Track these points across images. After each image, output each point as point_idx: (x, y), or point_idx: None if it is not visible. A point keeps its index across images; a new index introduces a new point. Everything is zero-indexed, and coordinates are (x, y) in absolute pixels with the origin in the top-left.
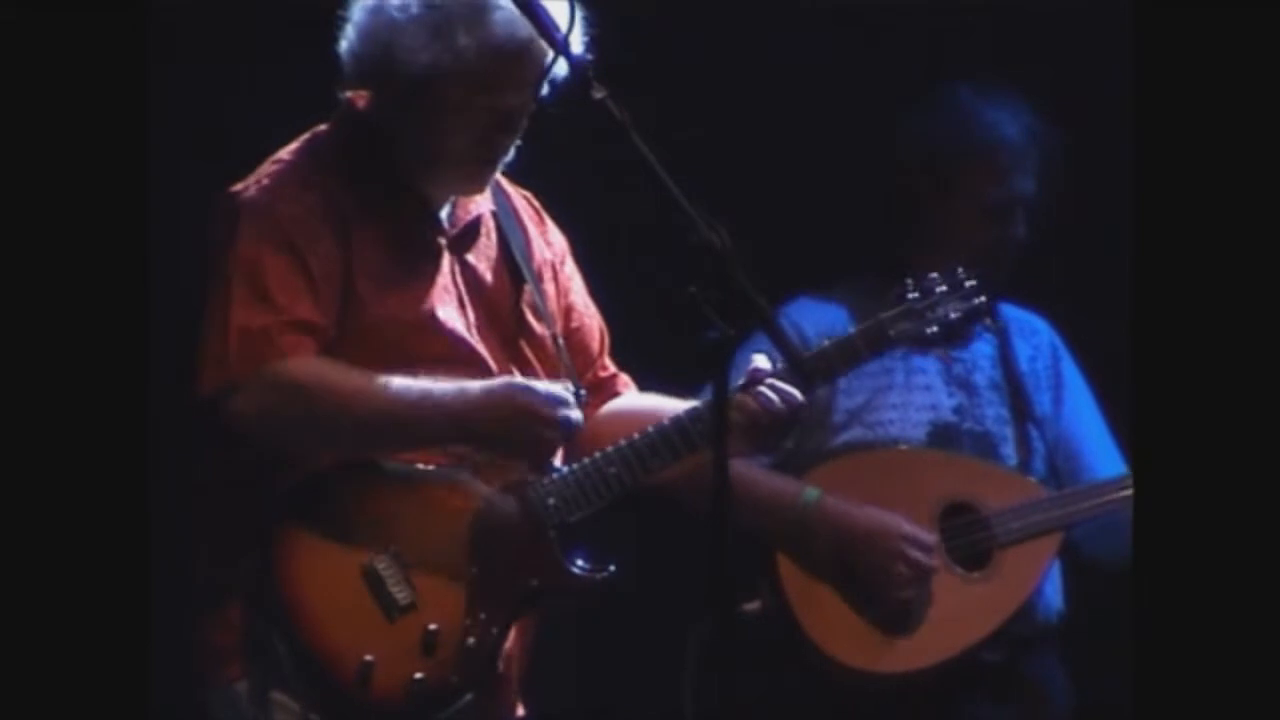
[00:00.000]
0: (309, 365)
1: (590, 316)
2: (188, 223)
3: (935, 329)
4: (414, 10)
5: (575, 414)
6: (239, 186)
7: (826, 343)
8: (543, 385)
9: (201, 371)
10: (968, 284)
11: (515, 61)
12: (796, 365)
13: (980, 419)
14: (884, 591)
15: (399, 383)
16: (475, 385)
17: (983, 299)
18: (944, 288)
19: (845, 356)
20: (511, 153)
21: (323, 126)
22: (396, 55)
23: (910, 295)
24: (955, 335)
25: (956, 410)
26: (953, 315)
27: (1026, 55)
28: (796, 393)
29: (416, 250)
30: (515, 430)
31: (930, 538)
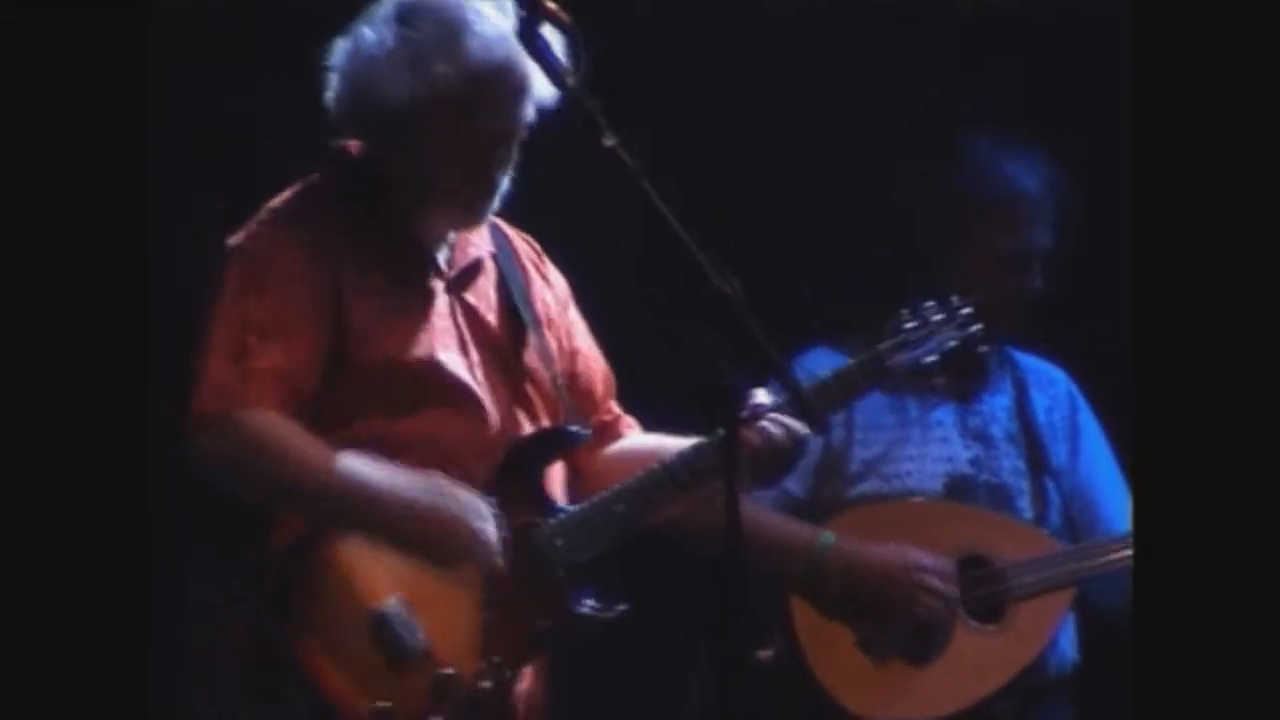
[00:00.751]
0: (273, 422)
1: (594, 360)
2: (188, 223)
3: (933, 358)
4: (389, 44)
5: (491, 532)
6: (233, 236)
7: (826, 375)
8: (465, 497)
9: (185, 414)
10: (963, 311)
11: (495, 84)
12: (799, 400)
13: (996, 471)
14: (906, 622)
15: (351, 467)
16: (425, 499)
17: (979, 326)
18: (940, 316)
19: (844, 388)
20: (505, 184)
21: (315, 175)
22: (377, 92)
23: (906, 325)
24: (959, 369)
25: (973, 462)
26: (950, 343)
27: (1027, 55)
28: (799, 425)
29: (414, 293)
30: (447, 557)
31: (945, 564)
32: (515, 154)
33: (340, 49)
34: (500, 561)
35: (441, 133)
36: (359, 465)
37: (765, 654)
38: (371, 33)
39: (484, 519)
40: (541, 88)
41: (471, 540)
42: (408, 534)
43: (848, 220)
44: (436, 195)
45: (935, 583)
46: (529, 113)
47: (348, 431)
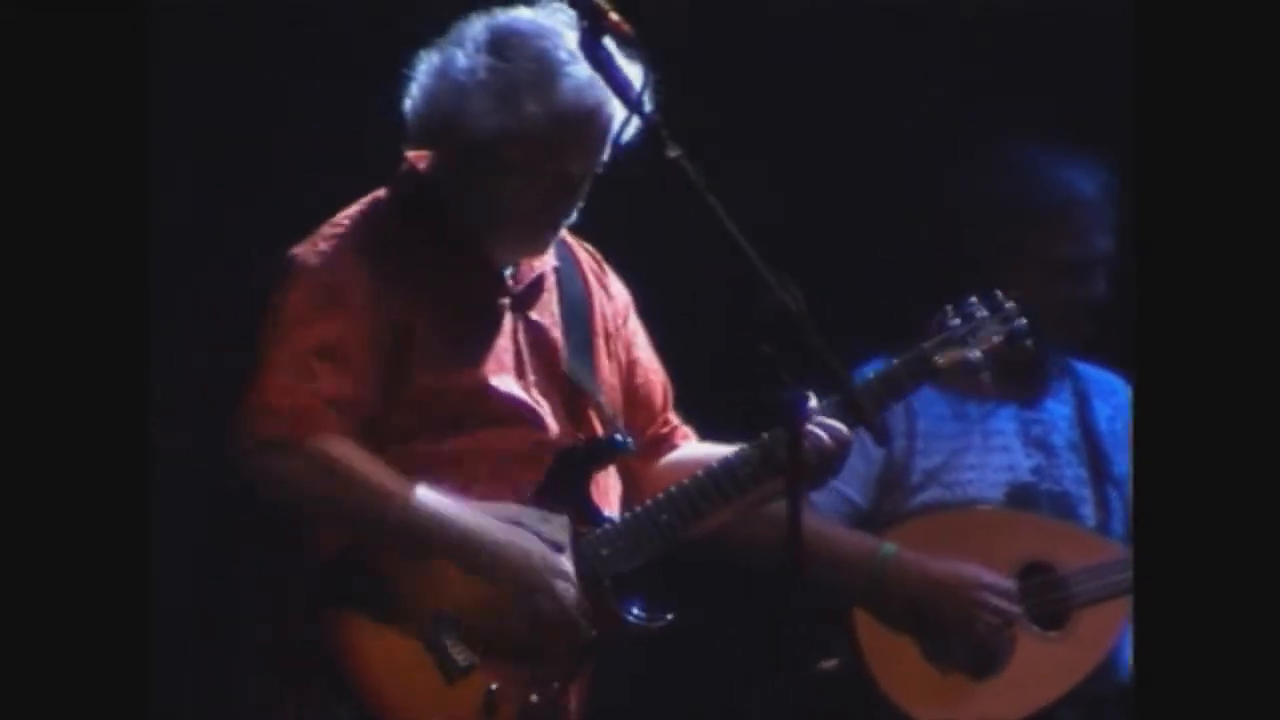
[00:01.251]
0: (345, 449)
1: (654, 370)
2: (188, 223)
3: (979, 354)
4: (481, 76)
5: (570, 587)
6: (297, 248)
7: (871, 377)
8: (549, 554)
9: (234, 430)
10: (1007, 306)
11: (581, 128)
12: (850, 401)
13: (1059, 479)
14: (966, 639)
15: (421, 496)
16: (500, 532)
17: (1023, 321)
18: (984, 312)
19: (890, 388)
20: (575, 214)
21: (382, 191)
22: (463, 120)
23: (951, 322)
24: (1017, 377)
25: (1035, 470)
26: (995, 339)
27: (1027, 55)
28: (844, 429)
29: (478, 310)
30: (520, 593)
31: (1008, 584)
32: (587, 189)
33: (428, 66)
34: (578, 631)
35: (520, 168)
36: (442, 501)
37: (829, 664)
38: (464, 58)
39: (565, 577)
40: (619, 126)
41: (553, 606)
42: (488, 575)
43: (902, 229)
44: (503, 224)
45: (997, 601)
46: (607, 153)
47: (403, 448)
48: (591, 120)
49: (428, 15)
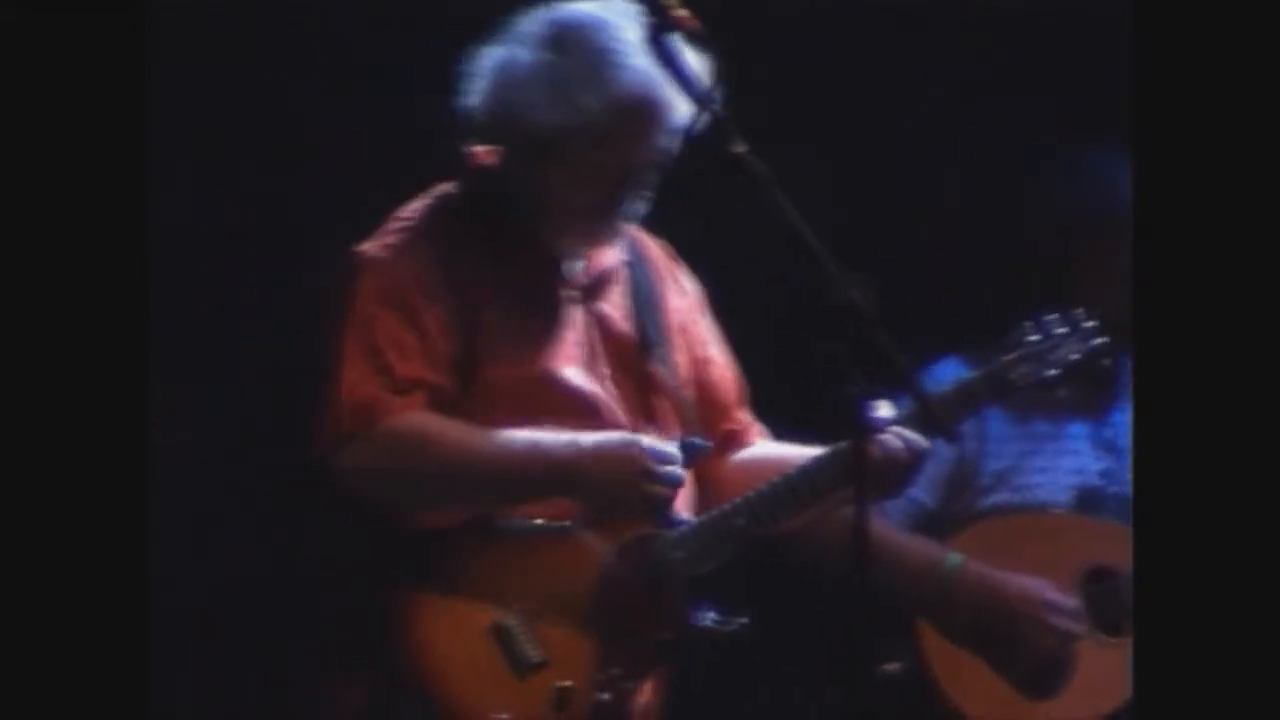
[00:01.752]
0: (413, 419)
1: (725, 367)
2: (188, 223)
3: (1055, 372)
4: (539, 69)
5: (680, 472)
6: (365, 244)
7: (947, 387)
8: (650, 441)
9: (317, 432)
10: (1086, 325)
11: (640, 118)
12: (925, 410)
13: (1127, 483)
14: (1028, 659)
15: (506, 434)
16: (587, 438)
17: (1103, 340)
18: (1063, 329)
19: (965, 400)
20: (642, 206)
21: (446, 185)
22: (522, 113)
23: (1029, 338)
24: (1090, 382)
25: (1103, 474)
26: (1073, 357)
27: (1027, 55)
28: (918, 438)
29: (545, 304)
30: (622, 485)
31: (1074, 604)
32: (653, 180)
33: (488, 60)
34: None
35: (581, 160)
36: (523, 434)
37: (892, 667)
38: (523, 53)
39: (674, 461)
40: (684, 116)
41: (657, 482)
42: (597, 481)
43: (970, 232)
44: (568, 217)
45: (1062, 621)
46: (670, 143)
47: None
48: (649, 110)
49: (428, 15)
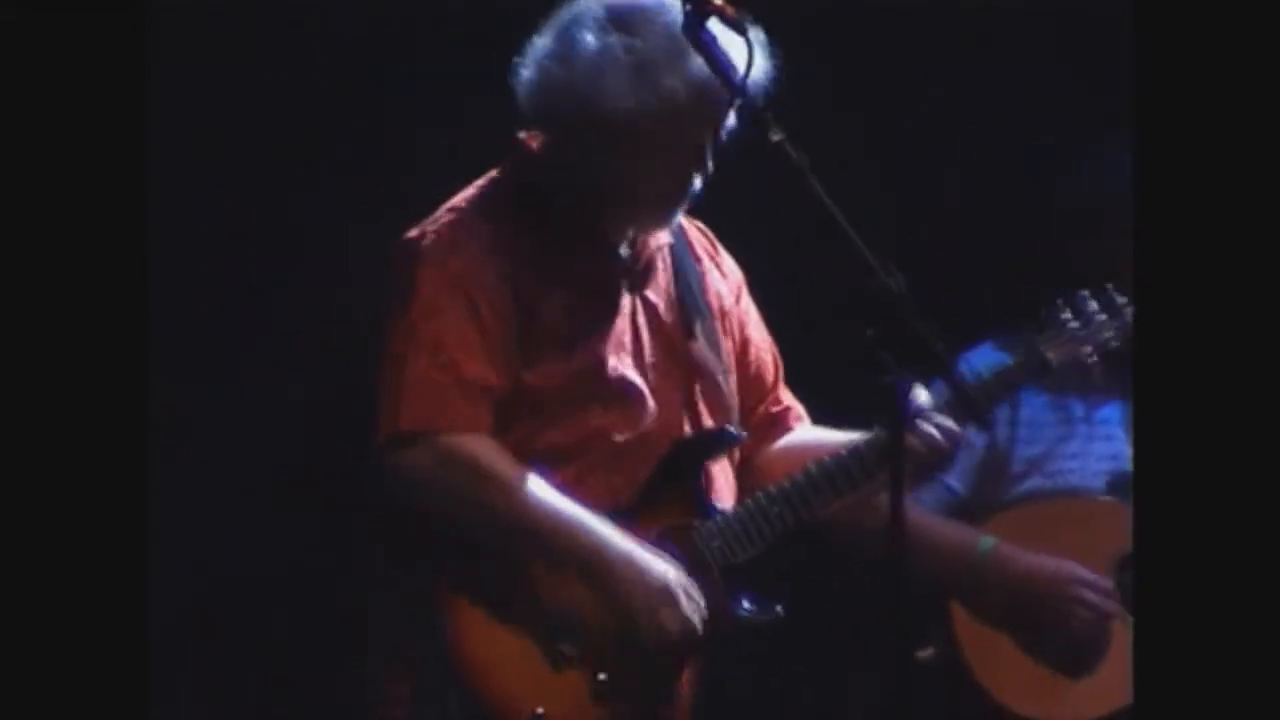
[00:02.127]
0: (476, 448)
1: (765, 349)
2: (188, 223)
3: (1093, 352)
4: (616, 55)
5: (696, 610)
6: (415, 233)
7: (985, 374)
8: (677, 577)
9: (379, 421)
10: (1121, 303)
11: (713, 100)
12: (965, 398)
13: None
14: (1063, 637)
15: (556, 504)
16: (618, 543)
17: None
18: (1098, 309)
19: (1004, 385)
20: (699, 189)
21: (495, 172)
22: (599, 100)
23: (1065, 319)
24: (1115, 361)
25: None
26: (1114, 343)
27: (1027, 55)
28: (955, 425)
29: (596, 292)
30: (643, 610)
31: (1106, 582)
32: (713, 164)
33: (546, 49)
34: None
35: (660, 144)
36: (572, 511)
37: (925, 653)
38: (592, 38)
39: (692, 599)
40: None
41: (672, 627)
42: (615, 595)
43: (970, 232)
44: (638, 202)
45: (1094, 598)
46: (733, 126)
47: (521, 435)
48: (721, 91)
49: (428, 15)
